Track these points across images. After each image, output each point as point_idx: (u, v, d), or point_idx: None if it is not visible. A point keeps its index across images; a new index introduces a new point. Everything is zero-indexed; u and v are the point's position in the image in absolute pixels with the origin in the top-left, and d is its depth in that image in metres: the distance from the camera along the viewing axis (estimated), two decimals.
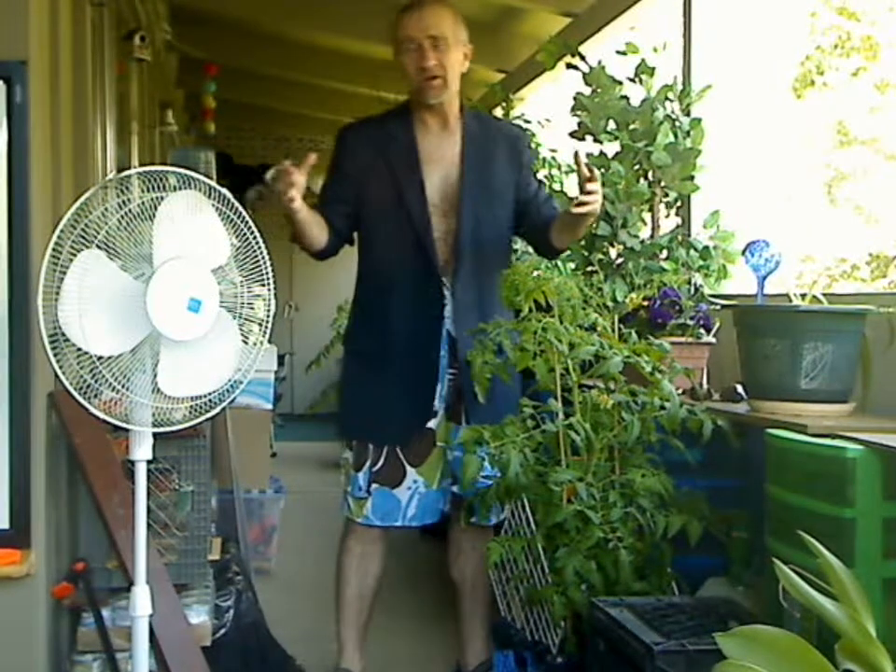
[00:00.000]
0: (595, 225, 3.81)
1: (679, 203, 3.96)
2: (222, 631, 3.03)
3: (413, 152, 3.04)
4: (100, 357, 2.15)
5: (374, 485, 3.07)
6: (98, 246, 2.14)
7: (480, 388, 2.85)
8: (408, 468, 3.06)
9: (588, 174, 2.82)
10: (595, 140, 3.93)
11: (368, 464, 3.07)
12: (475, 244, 3.03)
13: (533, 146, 5.58)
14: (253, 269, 2.25)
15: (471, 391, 2.94)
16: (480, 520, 3.02)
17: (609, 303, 3.07)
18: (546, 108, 5.96)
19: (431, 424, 3.06)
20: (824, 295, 2.81)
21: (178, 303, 2.13)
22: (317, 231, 3.02)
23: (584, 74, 3.96)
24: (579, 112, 3.93)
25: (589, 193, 2.84)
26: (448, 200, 3.03)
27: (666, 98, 3.83)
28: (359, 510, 3.09)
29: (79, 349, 2.14)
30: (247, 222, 2.23)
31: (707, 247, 3.83)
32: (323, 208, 3.06)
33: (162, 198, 2.17)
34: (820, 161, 8.35)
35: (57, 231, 2.14)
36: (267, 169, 11.15)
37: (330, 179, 3.13)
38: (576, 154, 2.86)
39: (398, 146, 3.05)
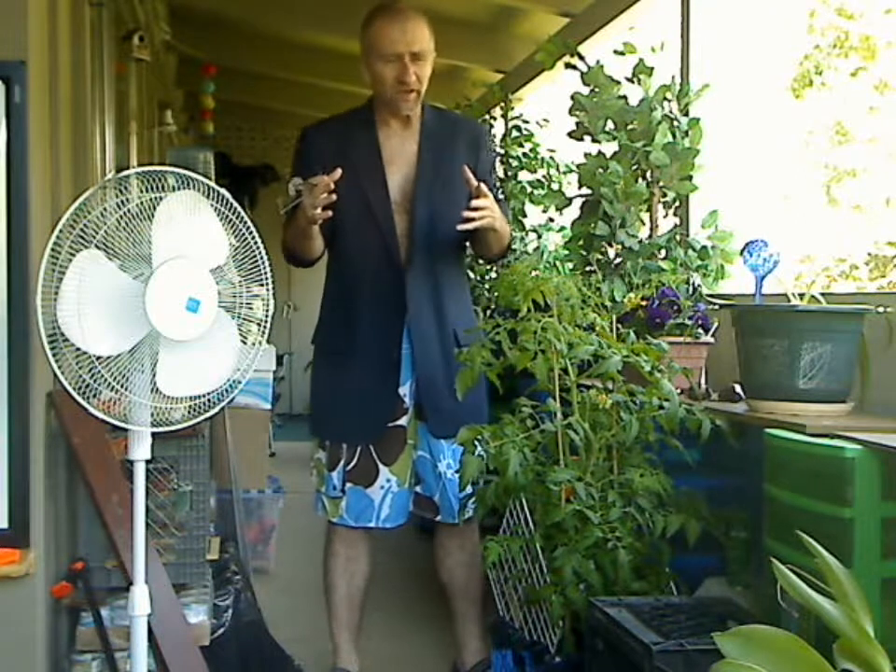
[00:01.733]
0: (593, 225, 3.81)
1: (677, 203, 3.96)
2: (221, 630, 3.03)
3: (376, 152, 3.06)
4: (99, 357, 2.15)
5: (348, 484, 3.08)
6: (97, 246, 2.14)
7: (460, 387, 2.85)
8: (381, 466, 3.08)
9: (475, 189, 2.88)
10: (594, 140, 3.93)
11: (342, 463, 3.08)
12: (429, 239, 3.05)
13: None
14: (252, 269, 2.25)
15: (426, 385, 3.02)
16: (457, 518, 3.03)
17: (608, 303, 3.07)
18: (545, 108, 5.97)
19: (402, 421, 3.08)
20: (822, 295, 2.81)
21: (177, 303, 2.13)
22: (320, 240, 3.04)
23: (582, 73, 3.96)
24: (577, 112, 3.93)
25: (476, 209, 2.89)
26: (408, 197, 3.05)
27: (665, 98, 3.83)
28: (335, 509, 3.11)
29: (78, 349, 2.14)
30: (246, 222, 2.23)
31: (705, 247, 3.83)
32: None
33: (161, 198, 2.17)
34: (819, 160, 8.35)
35: (56, 231, 2.14)
36: (267, 169, 11.08)
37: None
38: (463, 171, 2.91)
39: (361, 146, 3.06)
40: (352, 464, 3.08)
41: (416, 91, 3.01)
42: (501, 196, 3.31)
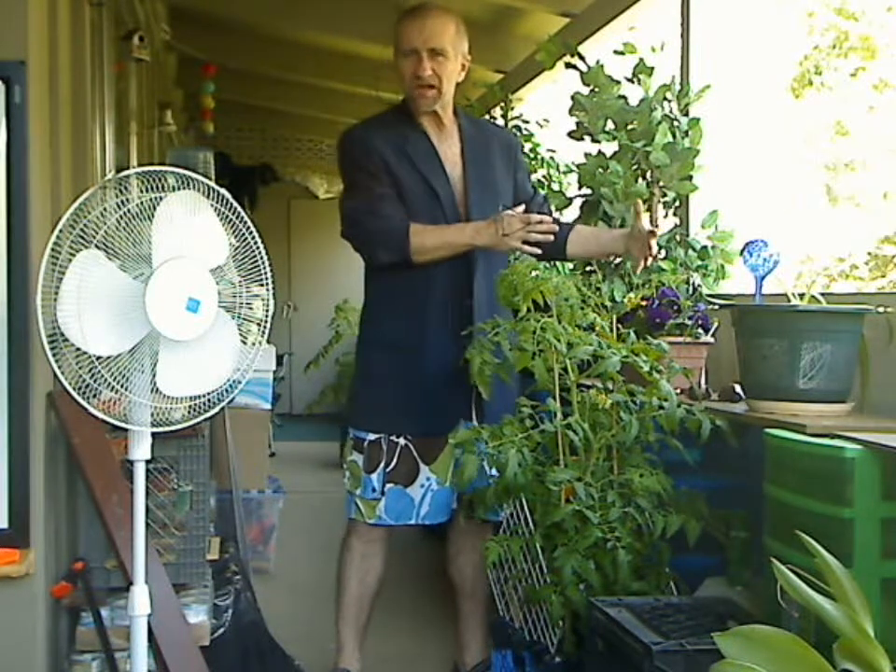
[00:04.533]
0: (593, 225, 3.81)
1: (677, 203, 3.96)
2: (221, 631, 3.03)
3: (431, 148, 3.06)
4: (99, 357, 2.15)
5: (389, 485, 3.06)
6: (97, 246, 2.14)
7: (483, 387, 2.86)
8: (421, 465, 3.06)
9: (650, 229, 2.95)
10: (594, 140, 3.93)
11: (382, 465, 3.05)
12: None
13: (526, 151, 5.64)
14: (252, 269, 2.25)
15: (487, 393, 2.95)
16: (481, 515, 3.01)
17: (608, 303, 3.07)
18: (545, 109, 5.97)
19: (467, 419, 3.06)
20: (822, 295, 2.81)
21: (177, 303, 2.13)
22: None
23: (582, 73, 3.96)
24: (577, 112, 3.93)
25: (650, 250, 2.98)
26: (461, 196, 3.06)
27: (665, 98, 3.84)
28: (371, 511, 3.07)
29: (78, 349, 2.14)
30: (246, 222, 2.23)
31: (705, 247, 3.83)
32: (397, 206, 3.00)
33: (161, 198, 2.17)
34: (819, 160, 8.36)
35: (56, 232, 2.14)
36: (267, 169, 11.12)
37: (370, 182, 3.03)
38: (636, 203, 3.00)
39: (415, 142, 3.05)
40: (392, 465, 3.05)
41: (434, 88, 3.00)
42: (540, 196, 3.35)
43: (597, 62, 3.96)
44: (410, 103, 3.08)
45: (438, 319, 3.02)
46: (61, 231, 2.14)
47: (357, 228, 3.05)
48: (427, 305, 3.03)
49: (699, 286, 3.69)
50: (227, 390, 2.25)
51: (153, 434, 2.27)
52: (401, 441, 3.06)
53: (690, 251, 3.83)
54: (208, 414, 2.26)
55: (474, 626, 3.24)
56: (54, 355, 2.13)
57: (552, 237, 2.95)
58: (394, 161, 3.01)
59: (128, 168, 2.63)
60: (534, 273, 2.91)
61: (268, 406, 4.85)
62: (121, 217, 2.16)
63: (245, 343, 2.26)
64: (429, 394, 3.03)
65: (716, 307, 3.35)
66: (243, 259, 2.24)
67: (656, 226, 2.93)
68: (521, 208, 2.99)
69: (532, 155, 5.77)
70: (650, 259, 3.01)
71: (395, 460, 3.06)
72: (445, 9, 3.06)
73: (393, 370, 3.07)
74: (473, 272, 3.02)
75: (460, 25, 3.06)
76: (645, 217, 3.01)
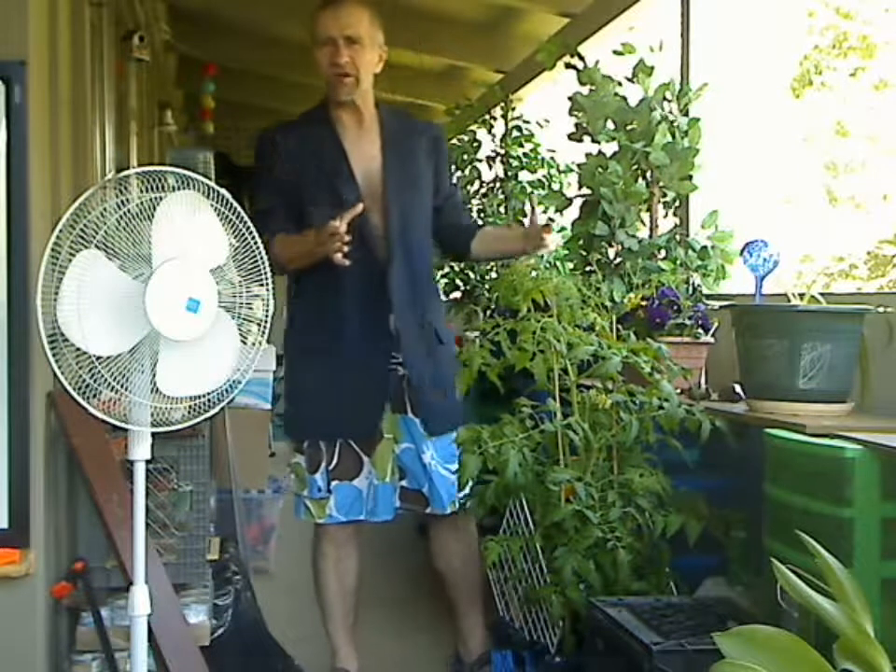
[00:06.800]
0: (593, 225, 3.81)
1: (677, 203, 3.95)
2: (221, 631, 3.03)
3: (340, 150, 3.07)
4: (99, 357, 2.15)
5: (334, 482, 3.08)
6: (97, 247, 2.14)
7: (463, 384, 2.87)
8: (364, 458, 3.08)
9: (544, 224, 2.95)
10: (593, 140, 3.92)
11: (323, 464, 3.08)
12: (404, 237, 3.06)
13: (527, 151, 5.66)
14: (251, 269, 2.25)
15: (418, 381, 3.02)
16: (447, 508, 3.06)
17: (607, 303, 3.08)
18: (545, 109, 5.97)
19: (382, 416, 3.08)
20: (822, 295, 2.81)
21: (177, 303, 2.13)
22: None
23: (579, 72, 3.96)
24: (576, 112, 3.93)
25: (544, 247, 2.98)
26: (372, 196, 3.05)
27: (664, 98, 3.83)
28: (321, 510, 3.10)
29: (78, 349, 2.14)
30: (246, 222, 2.24)
31: (705, 247, 3.82)
32: (278, 220, 3.02)
33: (161, 198, 2.17)
34: (819, 160, 8.36)
35: (56, 232, 2.14)
36: None
37: (268, 189, 3.09)
38: (530, 197, 2.97)
39: (323, 145, 3.07)
40: (334, 462, 3.07)
41: (352, 76, 3.02)
42: (459, 195, 3.41)
43: (596, 62, 3.96)
44: (328, 93, 3.09)
45: (354, 318, 3.04)
46: (61, 231, 2.14)
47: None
48: (340, 305, 3.04)
49: (699, 286, 3.69)
50: (227, 390, 2.25)
51: (153, 434, 2.27)
52: (339, 438, 3.08)
53: (690, 251, 3.82)
54: (208, 414, 2.26)
55: (474, 615, 3.24)
56: (54, 355, 2.13)
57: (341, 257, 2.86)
58: (297, 166, 3.02)
59: (128, 168, 2.63)
60: (534, 273, 2.91)
61: (268, 406, 4.84)
62: (121, 217, 2.16)
63: (244, 342, 2.26)
64: (352, 394, 3.03)
65: (716, 307, 3.35)
66: (243, 259, 2.24)
67: (552, 220, 2.97)
68: (342, 221, 2.83)
69: (532, 155, 5.79)
70: (543, 251, 3.02)
71: (336, 458, 3.08)
72: (360, 0, 3.08)
73: (314, 374, 3.09)
74: (388, 269, 3.03)
75: (375, 16, 3.08)
76: (539, 211, 3.02)
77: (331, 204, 2.98)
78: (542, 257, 3.84)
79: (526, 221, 3.05)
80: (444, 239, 3.23)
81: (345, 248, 2.83)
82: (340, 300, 3.04)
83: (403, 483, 3.10)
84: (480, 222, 3.66)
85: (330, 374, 3.05)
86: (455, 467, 3.02)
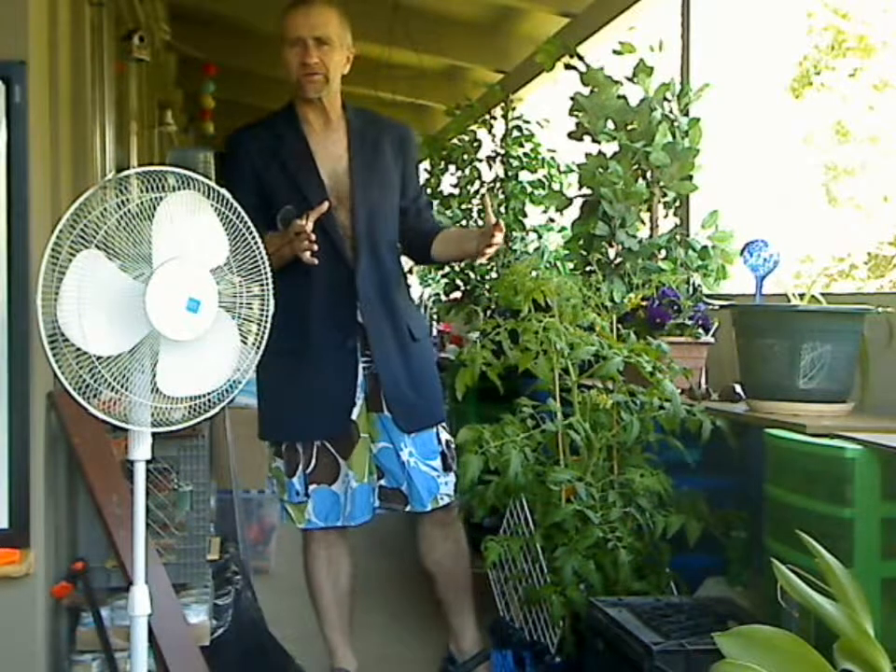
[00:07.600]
0: (593, 225, 3.82)
1: (677, 203, 3.96)
2: (221, 630, 3.03)
3: (307, 150, 3.08)
4: (99, 357, 2.15)
5: (312, 486, 3.06)
6: (97, 247, 2.14)
7: (459, 386, 2.87)
8: (341, 461, 3.06)
9: (494, 222, 2.91)
10: (594, 140, 3.93)
11: (300, 467, 3.06)
12: (371, 236, 3.06)
13: (527, 151, 5.64)
14: (251, 269, 2.25)
15: (389, 379, 3.00)
16: (427, 506, 3.04)
17: (608, 303, 3.08)
18: (546, 109, 5.97)
19: (353, 415, 3.06)
20: (823, 295, 2.81)
21: (177, 303, 2.13)
22: None
23: (581, 73, 3.96)
24: (577, 112, 3.93)
25: (492, 245, 2.93)
26: (339, 195, 3.05)
27: (664, 98, 3.83)
28: (300, 515, 3.09)
29: (78, 349, 2.14)
30: (246, 222, 2.23)
31: (705, 247, 3.83)
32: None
33: (161, 198, 2.17)
34: (819, 160, 8.36)
35: (56, 232, 2.14)
36: None
37: (237, 189, 3.05)
38: (483, 197, 2.94)
39: (290, 146, 3.08)
40: (311, 465, 3.06)
41: (321, 75, 3.03)
42: (425, 197, 3.39)
43: (598, 62, 3.96)
44: (296, 93, 3.10)
45: (322, 317, 3.03)
46: (61, 231, 2.14)
47: None
48: (309, 305, 3.03)
49: (699, 286, 3.69)
50: (227, 390, 2.25)
51: (153, 434, 2.27)
52: (309, 439, 3.07)
53: (690, 251, 3.83)
54: (208, 414, 2.26)
55: (466, 612, 3.23)
56: (54, 355, 2.13)
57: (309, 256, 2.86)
58: (262, 166, 3.03)
59: (128, 168, 2.63)
60: (534, 274, 2.92)
61: None
62: (121, 217, 2.16)
63: (245, 342, 2.26)
64: (320, 393, 3.02)
65: (716, 307, 3.35)
66: (243, 259, 2.24)
67: (499, 221, 2.95)
68: (307, 220, 2.84)
69: (532, 155, 5.78)
70: (491, 249, 2.96)
71: (313, 460, 3.06)
72: (328, 1, 3.10)
73: (285, 376, 3.06)
74: (355, 268, 3.02)
75: (344, 17, 3.09)
76: (490, 212, 3.00)
77: (297, 204, 2.99)
78: (543, 256, 3.84)
79: (490, 217, 2.99)
80: (408, 241, 3.22)
81: (314, 247, 2.83)
82: (308, 299, 3.03)
83: (382, 482, 3.09)
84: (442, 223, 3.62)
85: (298, 375, 3.05)
86: (437, 462, 3.03)
